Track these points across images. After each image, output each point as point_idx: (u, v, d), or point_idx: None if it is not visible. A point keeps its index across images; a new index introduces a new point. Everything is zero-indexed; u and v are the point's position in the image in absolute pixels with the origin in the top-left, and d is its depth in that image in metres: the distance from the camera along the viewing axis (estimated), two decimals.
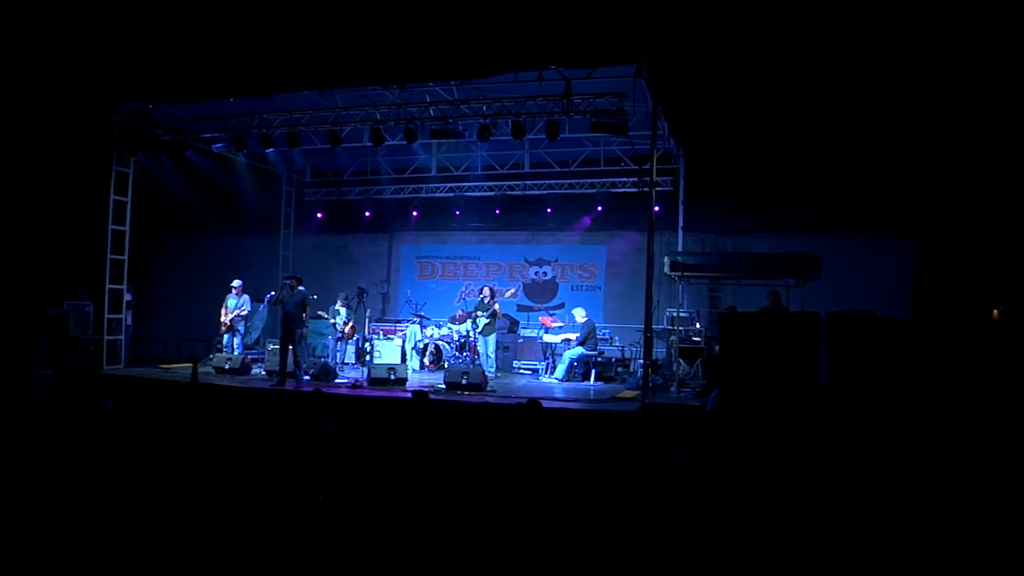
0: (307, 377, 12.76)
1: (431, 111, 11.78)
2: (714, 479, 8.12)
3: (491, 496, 6.90)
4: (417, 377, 14.07)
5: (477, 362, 14.06)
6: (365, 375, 12.51)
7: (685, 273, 12.17)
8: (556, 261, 18.81)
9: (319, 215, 19.24)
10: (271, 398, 9.58)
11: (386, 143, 16.03)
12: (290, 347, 12.10)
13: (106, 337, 13.67)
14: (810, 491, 7.78)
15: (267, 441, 7.90)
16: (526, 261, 19.00)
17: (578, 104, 10.84)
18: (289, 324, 12.01)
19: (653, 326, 13.67)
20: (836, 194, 15.37)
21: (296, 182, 19.01)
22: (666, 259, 12.07)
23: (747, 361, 9.52)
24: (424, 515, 6.36)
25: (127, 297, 14.69)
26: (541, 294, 18.86)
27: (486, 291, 14.06)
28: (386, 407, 10.84)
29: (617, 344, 14.92)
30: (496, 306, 13.82)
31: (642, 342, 13.97)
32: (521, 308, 18.62)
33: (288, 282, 12.06)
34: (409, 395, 8.21)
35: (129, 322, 14.86)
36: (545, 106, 11.03)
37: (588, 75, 10.41)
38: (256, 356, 15.60)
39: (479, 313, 13.97)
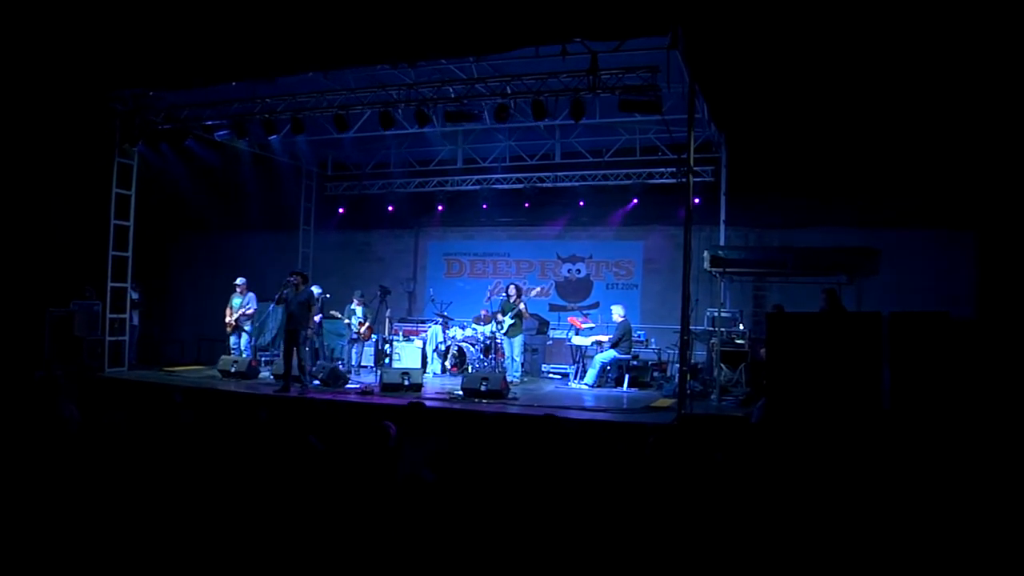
0: (316, 382, 11.90)
1: (451, 91, 10.76)
2: (759, 505, 7.07)
3: (497, 527, 5.92)
4: (439, 382, 13.14)
5: (503, 365, 13.08)
6: (377, 380, 11.60)
7: (727, 269, 11.03)
8: (590, 258, 17.72)
9: (340, 210, 18.39)
10: (262, 409, 8.69)
11: (410, 133, 15.23)
12: (295, 349, 11.18)
13: (108, 338, 12.95)
14: (871, 522, 6.69)
15: (246, 457, 7.01)
16: (558, 258, 17.96)
17: (606, 80, 9.76)
18: (293, 325, 11.12)
19: (693, 327, 12.59)
20: (893, 185, 14.06)
21: (316, 176, 18.19)
22: (706, 253, 10.94)
23: (797, 367, 8.36)
24: (415, 546, 5.45)
25: (133, 296, 13.99)
26: (574, 293, 17.79)
27: (512, 289, 13.05)
28: (392, 417, 9.89)
29: (653, 347, 13.78)
30: (522, 305, 12.79)
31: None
32: (553, 308, 17.60)
33: (292, 279, 11.17)
34: (425, 403, 7.26)
35: (135, 322, 14.15)
36: (569, 83, 9.96)
37: (617, 48, 9.34)
38: (270, 358, 14.83)
39: (504, 315, 12.95)
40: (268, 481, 6.39)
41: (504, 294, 13.19)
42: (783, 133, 14.22)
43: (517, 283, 13.42)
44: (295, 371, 11.33)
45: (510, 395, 10.92)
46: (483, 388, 10.76)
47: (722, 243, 14.68)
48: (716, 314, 12.47)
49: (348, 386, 11.84)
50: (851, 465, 7.80)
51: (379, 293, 15.85)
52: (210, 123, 12.12)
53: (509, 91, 10.28)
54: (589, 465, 8.00)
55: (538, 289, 13.62)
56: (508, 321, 12.84)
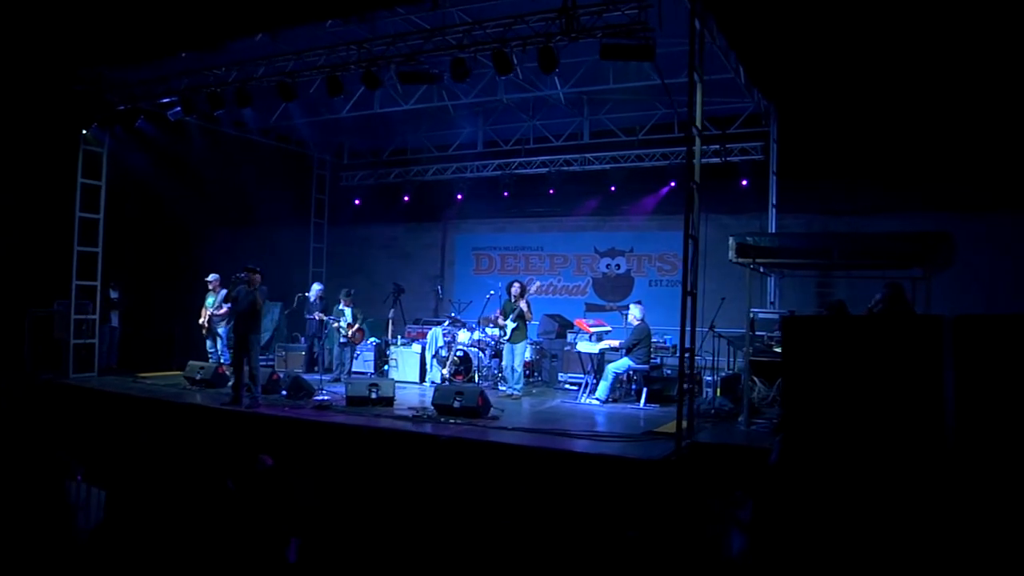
0: (284, 393, 10.39)
1: (406, 47, 8.99)
2: None
3: None
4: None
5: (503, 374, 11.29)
6: (343, 392, 10.00)
7: (757, 260, 8.88)
8: (631, 251, 15.68)
9: (356, 201, 16.92)
10: (143, 433, 7.21)
11: (426, 115, 13.64)
12: (245, 357, 9.63)
13: (73, 341, 11.79)
14: None
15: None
16: (596, 252, 16.01)
17: (584, 22, 7.79)
18: (242, 328, 9.60)
19: (730, 331, 10.55)
20: (993, 163, 11.48)
21: (330, 165, 16.78)
22: (731, 241, 8.83)
23: (825, 391, 6.26)
24: None
25: (113, 295, 12.87)
26: (613, 290, 15.81)
27: (515, 287, 11.22)
28: (346, 438, 8.30)
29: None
30: (523, 305, 10.95)
31: (725, 351, 10.91)
32: (590, 308, 15.67)
33: (243, 275, 9.64)
34: (267, 461, 5.61)
35: (116, 323, 13.01)
36: (540, 28, 8.03)
37: None
38: (264, 363, 13.43)
39: (506, 317, 11.12)
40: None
41: (506, 293, 11.36)
42: (848, 101, 11.88)
43: (521, 279, 11.57)
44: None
45: (490, 413, 9.11)
46: (456, 405, 8.98)
47: (773, 231, 12.52)
48: (756, 315, 10.37)
49: (318, 398, 10.23)
50: (900, 527, 5.73)
51: (392, 292, 14.39)
52: (166, 100, 10.75)
53: (468, 41, 8.38)
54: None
55: (537, 284, 11.69)
56: (510, 324, 11.00)
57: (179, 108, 10.46)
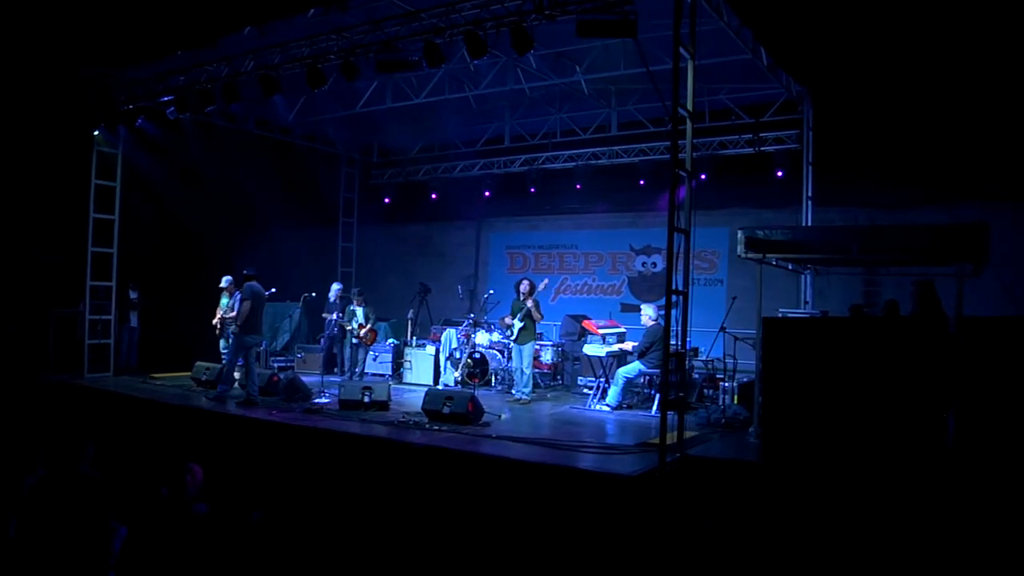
0: (282, 395, 10.12)
1: (383, 34, 8.56)
2: None
3: None
4: None
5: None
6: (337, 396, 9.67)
7: (767, 255, 8.12)
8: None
9: (387, 200, 16.61)
10: (88, 443, 6.98)
11: (452, 110, 13.28)
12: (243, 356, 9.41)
13: (88, 341, 11.83)
14: None
15: None
16: (632, 249, 15.39)
17: None
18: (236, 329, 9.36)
19: (734, 331, 9.75)
20: None
21: (360, 164, 16.53)
22: (740, 235, 8.11)
23: (813, 404, 5.61)
24: None
25: (132, 296, 12.90)
26: (649, 290, 15.13)
27: (524, 285, 10.68)
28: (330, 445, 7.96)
29: (703, 357, 10.94)
30: (531, 303, 10.39)
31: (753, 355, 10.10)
32: (625, 308, 15.03)
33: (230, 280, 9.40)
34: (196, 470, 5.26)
35: (135, 324, 13.03)
36: (513, 7, 7.46)
37: None
38: (283, 364, 13.31)
39: (513, 317, 10.61)
40: None
41: (516, 292, 10.84)
42: (890, 81, 10.94)
43: (531, 278, 11.01)
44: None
45: (482, 420, 8.60)
46: (446, 411, 8.52)
47: (808, 224, 11.67)
48: (784, 315, 9.65)
49: (319, 400, 9.93)
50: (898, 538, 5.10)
51: (418, 291, 14.08)
52: (165, 99, 10.61)
53: (444, 25, 7.87)
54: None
55: (545, 282, 11.07)
56: (517, 324, 10.48)
57: (174, 107, 10.32)
